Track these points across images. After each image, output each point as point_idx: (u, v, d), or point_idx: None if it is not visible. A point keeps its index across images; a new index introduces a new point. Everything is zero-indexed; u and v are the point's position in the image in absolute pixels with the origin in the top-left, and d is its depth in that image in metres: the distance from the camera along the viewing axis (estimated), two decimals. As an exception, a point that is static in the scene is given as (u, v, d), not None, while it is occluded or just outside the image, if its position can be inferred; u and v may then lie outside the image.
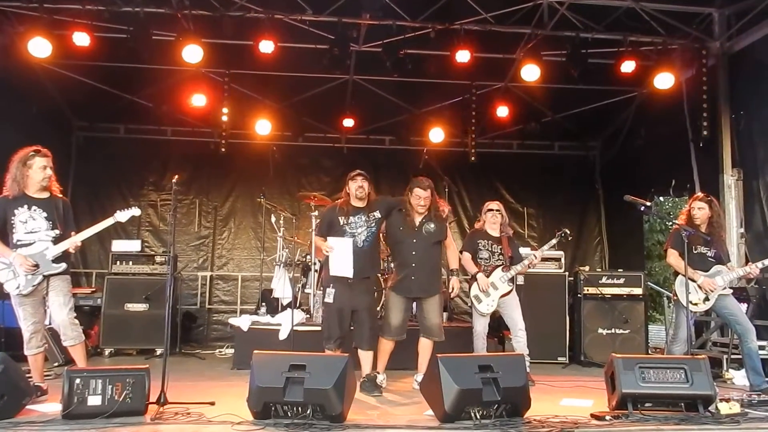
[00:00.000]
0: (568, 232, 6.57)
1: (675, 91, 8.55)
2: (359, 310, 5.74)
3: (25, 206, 5.09)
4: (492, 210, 6.57)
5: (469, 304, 6.58)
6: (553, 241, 6.51)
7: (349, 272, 5.62)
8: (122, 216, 5.32)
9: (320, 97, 9.75)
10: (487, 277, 6.35)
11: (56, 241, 5.13)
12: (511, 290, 6.40)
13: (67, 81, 9.13)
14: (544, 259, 7.71)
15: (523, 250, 7.03)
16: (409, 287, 5.90)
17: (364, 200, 5.85)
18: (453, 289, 6.12)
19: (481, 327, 6.37)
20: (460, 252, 6.50)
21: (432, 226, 5.93)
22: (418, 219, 5.94)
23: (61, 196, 5.33)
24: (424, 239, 5.92)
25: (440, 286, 6.13)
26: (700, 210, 6.13)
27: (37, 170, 5.09)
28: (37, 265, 5.03)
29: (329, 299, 5.72)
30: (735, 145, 8.06)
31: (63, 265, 5.14)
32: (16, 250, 5.04)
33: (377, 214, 5.87)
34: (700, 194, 6.39)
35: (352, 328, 5.83)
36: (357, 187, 5.79)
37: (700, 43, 8.26)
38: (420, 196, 5.88)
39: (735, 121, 8.08)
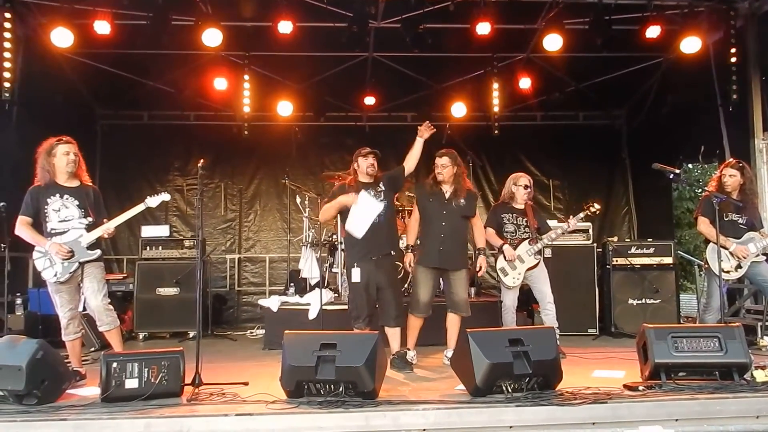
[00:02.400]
0: (597, 207, 6.45)
1: (702, 55, 8.33)
2: (384, 287, 5.76)
3: (57, 195, 5.20)
4: (528, 187, 6.49)
5: (497, 278, 6.56)
6: (581, 215, 6.43)
7: (360, 232, 5.68)
8: (153, 201, 5.41)
9: (340, 75, 9.70)
10: (514, 249, 6.32)
11: (89, 228, 5.24)
12: (539, 263, 6.36)
13: (90, 70, 9.22)
14: (572, 231, 7.64)
15: (550, 223, 6.96)
16: (437, 258, 5.91)
17: (372, 177, 5.90)
18: (480, 267, 6.14)
19: (509, 300, 6.34)
20: (484, 227, 6.48)
21: (462, 200, 5.98)
22: (447, 191, 5.98)
23: (91, 184, 5.45)
24: (454, 212, 5.95)
25: (467, 261, 6.14)
26: (732, 177, 6.01)
27: (60, 157, 5.20)
28: (72, 252, 5.14)
29: (356, 278, 5.72)
30: (766, 109, 7.88)
31: (98, 252, 5.27)
32: (50, 239, 5.16)
33: (382, 186, 5.89)
34: (731, 160, 6.26)
35: (377, 306, 5.86)
36: (369, 164, 5.84)
37: (728, 4, 8.03)
38: (437, 164, 5.99)
39: (765, 83, 7.88)
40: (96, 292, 5.24)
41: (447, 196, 5.99)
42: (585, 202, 6.59)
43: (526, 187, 6.49)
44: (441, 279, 6.15)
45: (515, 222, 6.44)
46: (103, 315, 5.29)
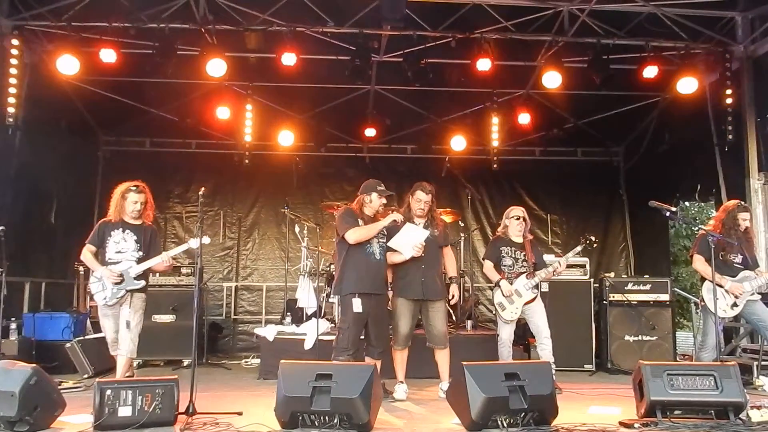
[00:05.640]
0: (594, 239, 6.48)
1: (699, 96, 8.47)
2: (376, 321, 5.74)
3: (120, 230, 5.85)
4: (518, 218, 6.50)
5: (494, 312, 6.56)
6: (578, 248, 6.45)
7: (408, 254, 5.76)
8: (195, 243, 5.80)
9: (342, 107, 9.84)
10: (511, 284, 6.33)
11: (139, 261, 5.80)
12: (536, 297, 6.37)
13: (95, 97, 9.31)
14: (569, 266, 7.66)
15: (547, 257, 6.98)
16: (420, 289, 5.89)
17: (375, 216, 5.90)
18: (453, 297, 6.15)
19: (506, 334, 6.34)
20: (483, 260, 6.47)
21: (436, 230, 6.02)
22: (420, 222, 6.00)
23: (150, 224, 6.06)
24: (431, 242, 5.94)
25: (446, 291, 6.12)
26: (744, 221, 6.07)
27: (129, 203, 5.86)
28: (121, 276, 5.68)
29: (358, 308, 5.59)
30: (761, 149, 7.98)
31: (142, 282, 5.80)
32: (106, 266, 5.72)
33: (384, 231, 5.85)
34: (739, 203, 6.25)
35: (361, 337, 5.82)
36: (381, 205, 5.84)
37: (724, 47, 8.20)
38: (421, 200, 5.98)
39: (760, 124, 8.00)
40: (131, 322, 5.71)
41: (421, 227, 5.96)
42: (582, 235, 6.62)
43: (517, 218, 6.49)
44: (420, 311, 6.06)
45: (513, 255, 6.45)
46: (125, 343, 5.67)
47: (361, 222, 5.73)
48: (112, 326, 5.76)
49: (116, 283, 5.66)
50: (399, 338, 5.93)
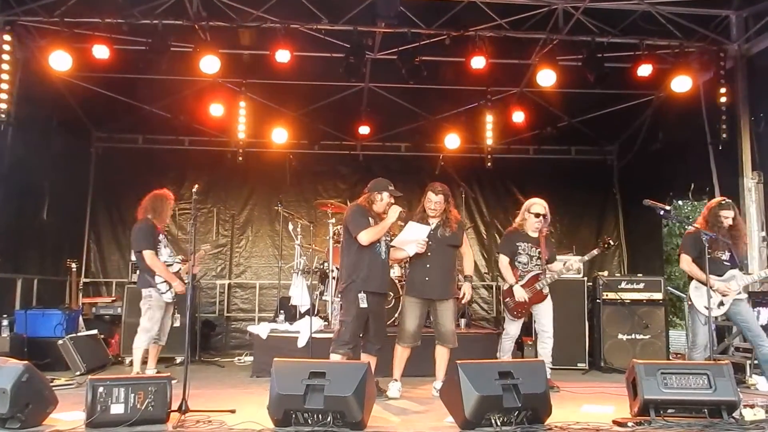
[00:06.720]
0: (612, 243, 6.42)
1: (693, 94, 8.48)
2: (377, 318, 5.76)
3: (161, 234, 6.40)
4: (539, 215, 6.43)
5: (502, 307, 6.57)
6: (595, 252, 6.45)
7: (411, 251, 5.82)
8: (207, 248, 6.51)
9: (336, 105, 9.82)
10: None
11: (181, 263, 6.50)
12: (547, 296, 6.38)
13: (87, 93, 9.25)
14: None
15: (560, 257, 6.97)
16: (423, 289, 5.91)
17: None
18: (464, 295, 6.13)
19: (513, 330, 6.43)
20: (498, 254, 6.44)
21: (448, 231, 5.97)
22: (433, 222, 5.98)
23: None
24: (439, 242, 5.93)
25: (454, 291, 6.11)
26: (726, 219, 6.02)
27: (169, 210, 6.49)
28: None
29: (364, 304, 5.58)
30: (755, 148, 7.99)
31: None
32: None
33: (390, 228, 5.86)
34: (722, 201, 6.14)
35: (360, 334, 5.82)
36: (389, 203, 5.79)
37: (718, 45, 8.21)
38: (431, 200, 5.96)
39: (754, 123, 8.00)
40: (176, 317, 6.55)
41: (432, 226, 5.98)
42: (601, 239, 6.57)
43: (537, 215, 6.44)
44: (429, 310, 6.11)
45: (529, 252, 6.41)
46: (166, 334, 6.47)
47: (371, 220, 5.72)
48: (160, 318, 6.28)
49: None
50: (404, 335, 5.93)
